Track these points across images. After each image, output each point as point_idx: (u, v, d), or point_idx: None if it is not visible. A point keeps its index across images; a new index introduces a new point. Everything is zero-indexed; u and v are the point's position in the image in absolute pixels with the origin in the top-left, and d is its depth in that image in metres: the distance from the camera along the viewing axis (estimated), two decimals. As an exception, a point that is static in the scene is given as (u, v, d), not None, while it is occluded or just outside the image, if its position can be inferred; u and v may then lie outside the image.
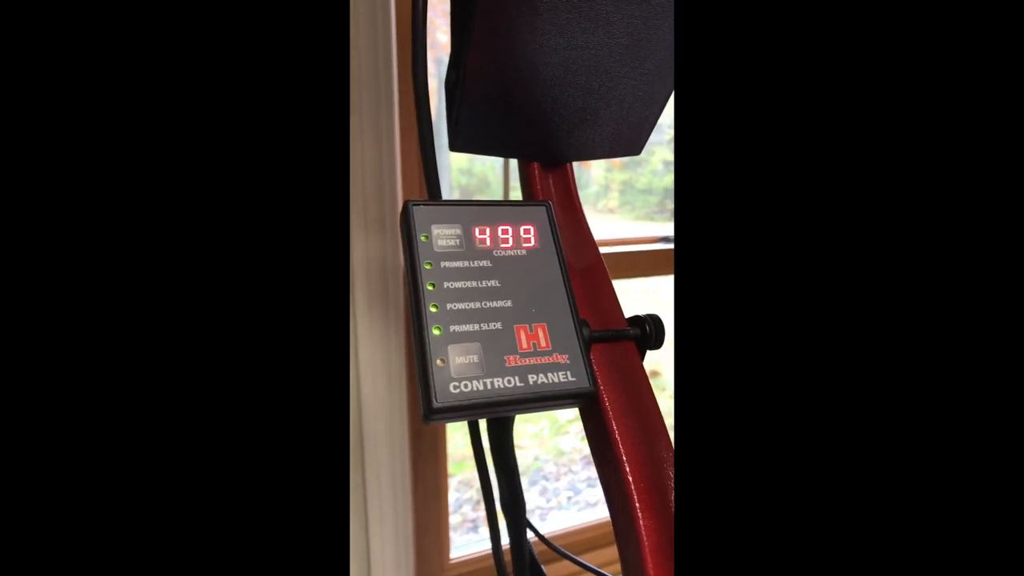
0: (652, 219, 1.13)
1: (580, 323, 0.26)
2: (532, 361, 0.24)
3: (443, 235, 0.26)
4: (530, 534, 0.37)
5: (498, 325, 0.24)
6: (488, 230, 0.26)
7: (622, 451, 0.25)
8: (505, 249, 0.26)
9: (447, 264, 0.25)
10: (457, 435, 0.93)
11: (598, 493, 1.09)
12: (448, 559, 0.85)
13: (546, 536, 0.41)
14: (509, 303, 0.25)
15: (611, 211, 1.13)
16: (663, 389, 1.16)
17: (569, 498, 1.12)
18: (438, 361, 0.23)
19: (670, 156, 1.09)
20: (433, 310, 0.24)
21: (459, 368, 0.23)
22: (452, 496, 0.92)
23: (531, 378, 0.24)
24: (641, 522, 0.24)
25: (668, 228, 0.98)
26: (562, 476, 1.16)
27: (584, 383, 0.25)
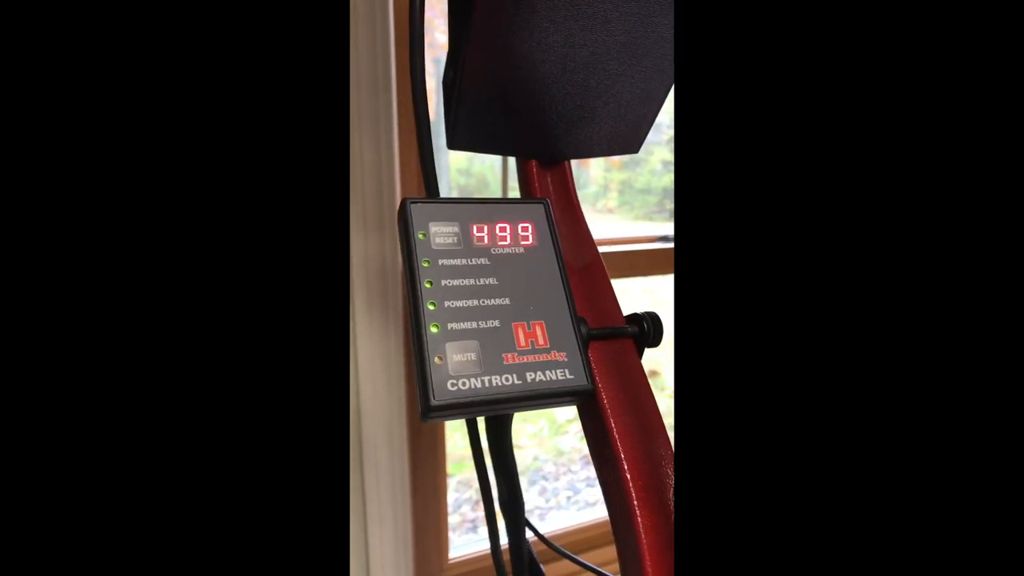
0: (651, 219, 1.13)
1: (578, 321, 0.26)
2: (530, 359, 0.24)
3: (441, 233, 0.26)
4: (529, 534, 0.37)
5: (496, 323, 0.24)
6: (486, 228, 0.26)
7: (620, 449, 0.25)
8: (503, 247, 0.26)
9: (445, 262, 0.25)
10: (456, 435, 0.93)
11: (597, 493, 1.09)
12: (447, 559, 0.85)
13: (545, 536, 0.41)
14: (507, 301, 0.25)
15: (610, 211, 1.13)
16: (662, 389, 1.16)
17: (568, 498, 1.12)
18: (436, 359, 0.23)
19: (669, 156, 1.09)
20: (431, 308, 0.24)
21: (457, 366, 0.23)
22: (451, 496, 0.92)
23: (529, 376, 0.24)
24: (639, 520, 0.24)
25: (667, 228, 0.98)
26: (561, 476, 1.16)
27: (582, 381, 0.24)
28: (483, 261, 0.26)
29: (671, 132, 1.04)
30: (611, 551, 0.90)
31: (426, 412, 0.22)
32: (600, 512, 0.98)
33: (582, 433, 0.28)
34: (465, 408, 0.23)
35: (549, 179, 0.33)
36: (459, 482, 1.05)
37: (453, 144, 0.31)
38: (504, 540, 0.36)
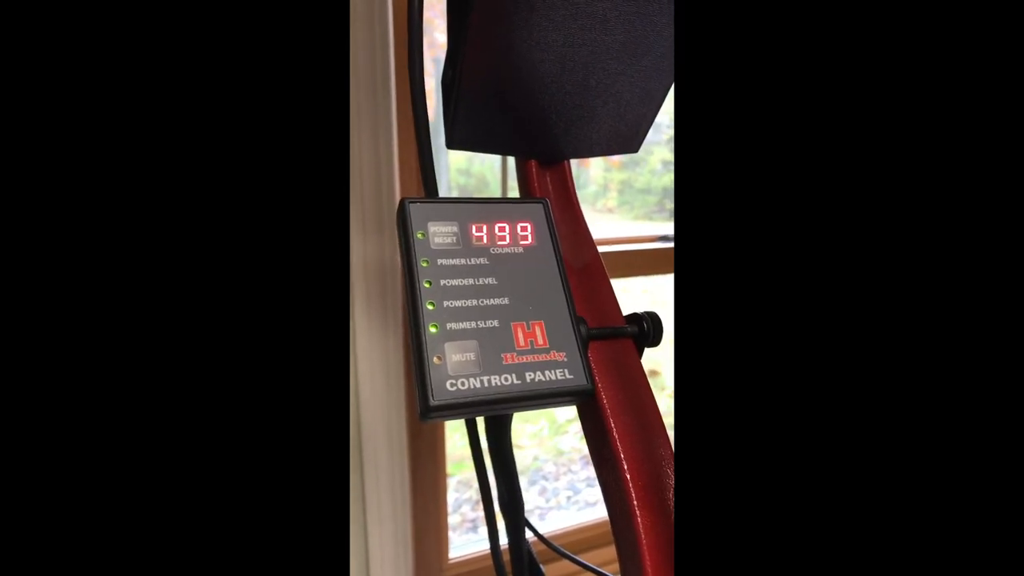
0: (651, 219, 1.13)
1: (577, 321, 0.26)
2: (529, 359, 0.24)
3: (439, 232, 0.25)
4: (529, 534, 0.37)
5: (495, 323, 0.24)
6: (485, 227, 0.26)
7: (620, 449, 0.25)
8: (502, 246, 0.26)
9: (444, 262, 0.25)
10: (456, 435, 0.93)
11: (597, 493, 1.08)
12: (447, 559, 0.85)
13: (546, 536, 0.40)
14: (506, 300, 0.25)
15: (610, 211, 1.13)
16: (662, 388, 1.16)
17: (568, 498, 1.12)
18: (435, 359, 0.23)
19: (669, 156, 1.09)
20: (430, 308, 0.24)
21: (456, 366, 0.23)
22: (451, 496, 0.92)
23: (528, 376, 0.24)
24: (639, 520, 0.24)
25: (667, 227, 0.98)
26: (561, 476, 1.16)
27: (582, 381, 0.24)
28: (482, 261, 0.26)
29: (671, 132, 1.04)
30: (611, 551, 0.89)
31: (425, 412, 0.22)
32: (600, 512, 0.98)
33: (582, 433, 0.28)
34: (464, 408, 0.23)
35: (548, 179, 0.33)
36: (459, 482, 1.05)
37: (452, 143, 0.31)
38: (504, 540, 0.36)
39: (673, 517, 0.24)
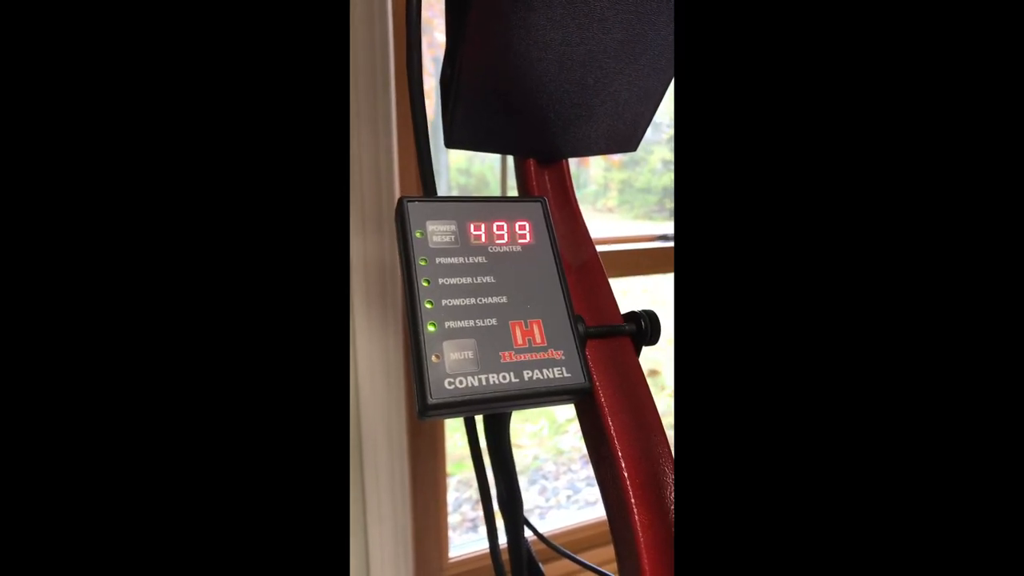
0: (651, 218, 1.13)
1: (575, 319, 0.26)
2: (527, 357, 0.24)
3: (438, 231, 0.26)
4: (529, 533, 0.37)
5: (493, 321, 0.24)
6: (483, 226, 0.26)
7: (618, 447, 0.25)
8: (500, 245, 0.26)
9: (442, 260, 0.25)
10: (456, 435, 0.93)
11: (597, 492, 1.08)
12: (447, 558, 0.85)
13: (545, 535, 0.40)
14: (504, 299, 0.25)
15: (610, 210, 1.13)
16: (662, 388, 1.16)
17: (568, 497, 1.12)
18: (433, 357, 0.23)
19: (669, 155, 1.09)
20: (428, 306, 0.24)
21: (454, 364, 0.23)
22: (451, 495, 0.92)
23: (526, 374, 0.24)
24: (637, 518, 0.24)
25: (667, 227, 0.98)
26: (561, 475, 1.16)
27: (579, 379, 0.24)
28: (480, 259, 0.26)
29: (671, 131, 1.04)
30: (611, 550, 0.89)
31: (423, 411, 0.22)
32: (600, 511, 0.98)
33: (581, 432, 0.28)
34: (462, 406, 0.23)
35: (547, 177, 0.33)
36: (459, 482, 1.05)
37: (451, 143, 0.31)
38: (503, 539, 0.36)
39: (670, 515, 0.24)
